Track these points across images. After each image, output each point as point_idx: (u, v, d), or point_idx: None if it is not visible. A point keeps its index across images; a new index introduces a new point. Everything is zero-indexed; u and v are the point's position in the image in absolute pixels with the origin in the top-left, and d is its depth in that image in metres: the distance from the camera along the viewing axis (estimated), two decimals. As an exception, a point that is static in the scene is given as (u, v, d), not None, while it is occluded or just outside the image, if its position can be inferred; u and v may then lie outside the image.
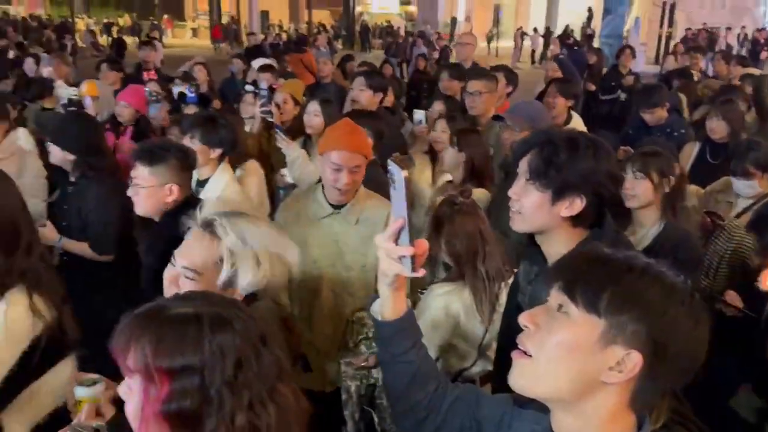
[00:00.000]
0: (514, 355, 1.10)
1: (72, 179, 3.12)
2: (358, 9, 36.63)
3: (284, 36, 28.17)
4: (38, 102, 5.45)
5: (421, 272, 1.17)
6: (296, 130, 4.04)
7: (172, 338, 1.02)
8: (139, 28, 30.55)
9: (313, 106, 3.76)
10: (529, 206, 1.57)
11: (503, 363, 1.90)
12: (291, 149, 3.53)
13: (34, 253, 1.72)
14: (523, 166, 1.59)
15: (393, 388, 1.33)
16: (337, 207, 2.48)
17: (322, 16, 38.89)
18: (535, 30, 26.55)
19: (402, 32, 26.85)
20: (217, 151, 3.07)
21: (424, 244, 1.17)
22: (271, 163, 4.01)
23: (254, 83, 6.11)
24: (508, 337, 1.86)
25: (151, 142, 2.73)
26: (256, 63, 8.15)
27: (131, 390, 1.05)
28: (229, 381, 1.01)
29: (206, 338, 1.02)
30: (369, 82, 4.30)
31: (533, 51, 25.25)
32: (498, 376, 1.98)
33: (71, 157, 3.06)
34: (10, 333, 1.64)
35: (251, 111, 4.61)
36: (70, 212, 3.08)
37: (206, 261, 1.58)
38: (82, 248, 3.03)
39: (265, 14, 33.41)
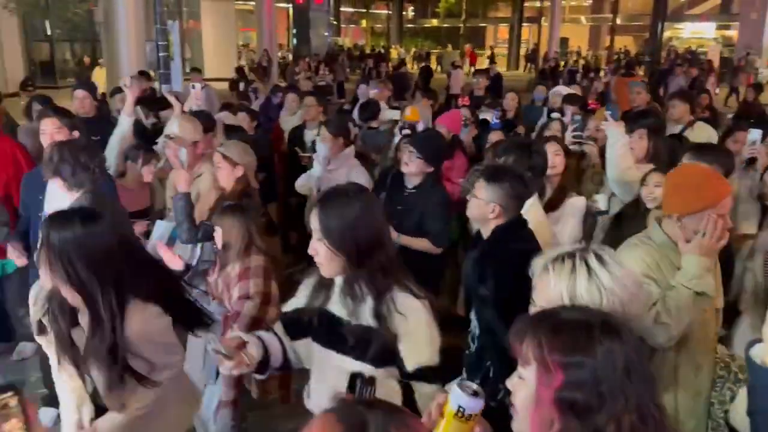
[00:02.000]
0: None
1: (410, 186, 3.58)
2: (667, 34, 34.22)
3: (581, 62, 27.69)
4: (369, 122, 6.17)
5: None
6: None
7: (565, 336, 1.15)
8: (428, 55, 32.91)
9: (640, 132, 3.70)
10: None
11: None
12: (618, 132, 3.60)
13: (395, 257, 1.96)
14: None
15: None
16: None
17: (626, 42, 37.23)
18: None
19: (716, 59, 24.32)
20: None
21: None
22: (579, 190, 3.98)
23: (560, 111, 6.13)
24: None
25: (501, 164, 2.92)
26: (557, 90, 8.17)
27: (523, 380, 1.18)
28: (620, 384, 1.10)
29: (597, 342, 1.13)
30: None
31: None
32: None
33: (429, 169, 3.56)
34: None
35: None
36: (409, 212, 3.51)
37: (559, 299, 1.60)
38: (421, 243, 3.49)
39: (564, 41, 33.21)
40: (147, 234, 3.76)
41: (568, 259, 1.61)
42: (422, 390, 1.86)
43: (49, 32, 21.18)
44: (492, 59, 28.38)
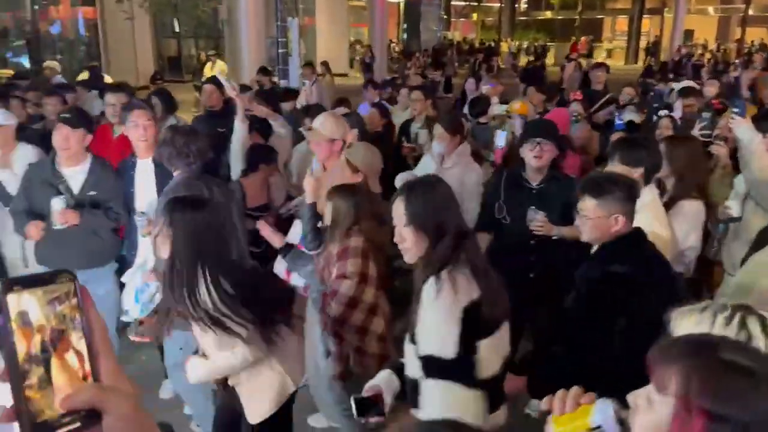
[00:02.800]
0: None
1: (534, 183, 3.49)
2: (808, 24, 31.35)
3: (707, 56, 26.00)
4: (479, 117, 6.14)
5: None
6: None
7: (721, 382, 0.98)
8: (543, 49, 31.92)
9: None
10: None
11: None
12: (748, 129, 3.32)
13: (460, 245, 1.99)
14: None
15: None
16: None
17: (760, 34, 34.45)
18: None
19: None
20: (639, 171, 2.98)
21: None
22: (707, 193, 3.75)
23: (668, 107, 5.82)
24: None
25: (598, 174, 2.78)
26: (678, 85, 7.73)
27: (652, 405, 1.05)
28: None
29: (761, 398, 0.94)
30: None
31: None
32: None
33: (556, 154, 3.49)
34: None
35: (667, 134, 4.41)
36: (548, 208, 3.40)
37: None
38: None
39: (689, 33, 31.27)
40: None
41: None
42: (425, 383, 1.89)
43: (177, 29, 22.63)
44: (589, 53, 27.15)
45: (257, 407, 2.67)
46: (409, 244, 2.00)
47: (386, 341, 3.00)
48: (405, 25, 31.55)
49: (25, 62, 17.39)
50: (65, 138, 3.57)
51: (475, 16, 44.64)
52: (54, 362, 0.62)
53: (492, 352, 1.99)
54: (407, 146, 5.54)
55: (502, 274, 2.09)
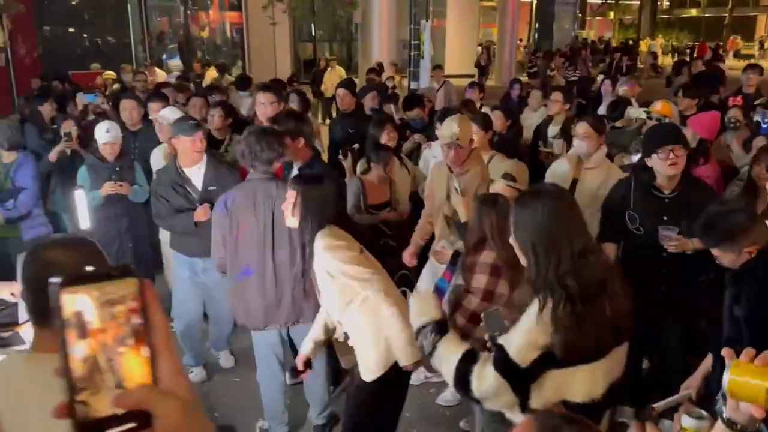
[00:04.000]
0: None
1: (666, 191, 3.25)
2: None
3: None
4: (616, 121, 5.90)
5: None
6: None
7: None
8: (691, 50, 29.65)
9: None
10: None
11: None
12: None
13: (575, 262, 1.84)
14: None
15: None
16: None
17: None
18: None
19: None
20: None
21: None
22: None
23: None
24: None
25: (707, 221, 2.58)
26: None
27: None
28: None
29: None
30: None
31: None
32: None
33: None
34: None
35: None
36: (679, 219, 3.16)
37: None
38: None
39: None
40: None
41: None
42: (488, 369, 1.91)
43: (313, 33, 23.65)
44: (716, 52, 24.80)
45: (366, 363, 2.72)
46: (516, 251, 1.99)
47: None
48: (537, 25, 30.77)
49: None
50: (201, 140, 3.82)
51: (612, 14, 42.69)
52: (109, 362, 0.61)
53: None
54: (544, 150, 5.42)
55: (631, 288, 1.98)
